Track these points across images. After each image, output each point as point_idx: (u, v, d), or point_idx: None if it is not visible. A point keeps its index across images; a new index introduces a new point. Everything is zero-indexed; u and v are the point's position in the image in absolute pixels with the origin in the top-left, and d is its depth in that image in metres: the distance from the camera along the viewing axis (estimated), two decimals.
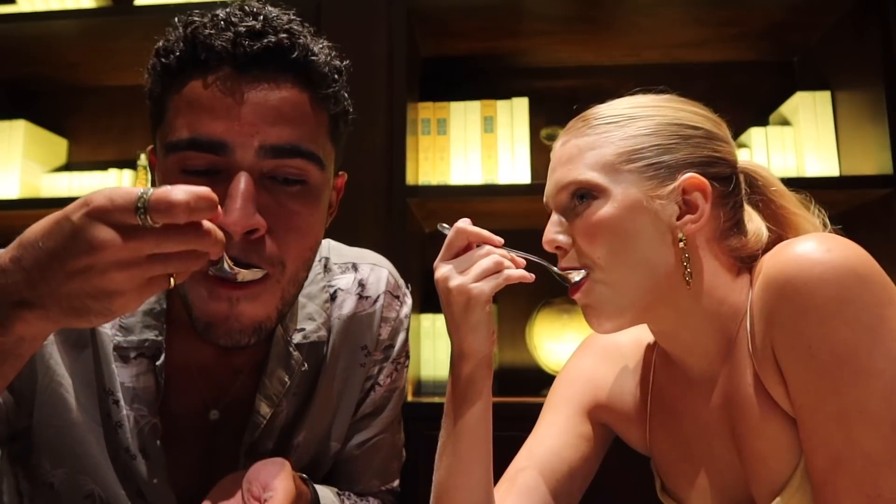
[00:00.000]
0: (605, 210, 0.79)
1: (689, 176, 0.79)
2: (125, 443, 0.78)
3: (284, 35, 0.68)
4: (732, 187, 0.83)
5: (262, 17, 0.69)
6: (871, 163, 1.60)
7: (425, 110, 1.81)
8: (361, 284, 0.93)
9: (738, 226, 0.84)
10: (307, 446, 0.89)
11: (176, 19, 0.72)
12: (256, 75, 0.67)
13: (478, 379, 0.82)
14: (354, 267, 0.94)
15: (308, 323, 0.87)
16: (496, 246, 0.80)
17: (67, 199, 1.82)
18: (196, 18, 0.70)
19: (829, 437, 0.69)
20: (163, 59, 0.69)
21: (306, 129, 0.71)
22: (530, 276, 0.80)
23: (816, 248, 0.71)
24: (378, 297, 0.94)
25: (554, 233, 0.83)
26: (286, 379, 0.84)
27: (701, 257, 0.81)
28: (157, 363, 0.78)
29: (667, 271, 0.79)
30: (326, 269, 0.92)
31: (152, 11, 1.79)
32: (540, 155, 1.89)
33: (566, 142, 0.85)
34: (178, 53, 0.68)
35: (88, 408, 0.79)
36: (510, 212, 1.81)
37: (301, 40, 0.70)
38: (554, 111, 1.99)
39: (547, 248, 0.84)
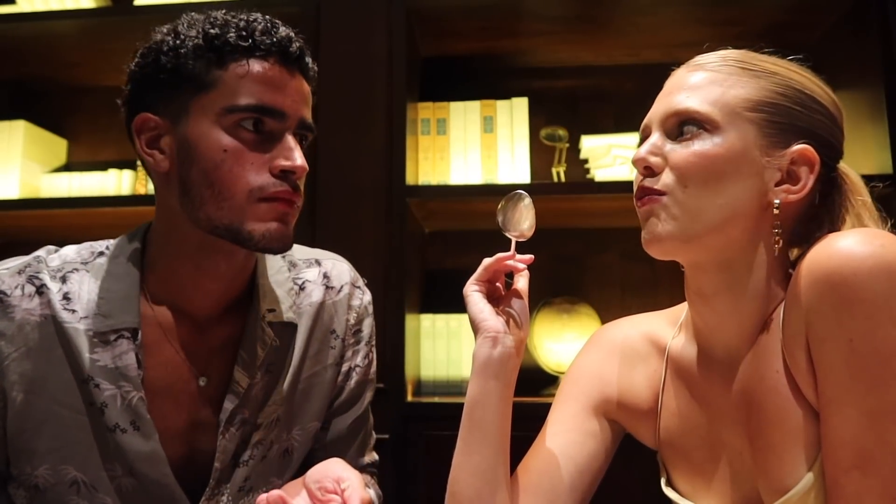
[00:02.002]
0: (711, 144, 0.78)
1: (805, 147, 0.79)
2: (114, 420, 0.86)
3: (299, 43, 0.90)
4: (831, 178, 0.82)
5: (283, 26, 0.89)
6: (871, 163, 1.60)
7: (425, 110, 1.81)
8: (326, 276, 1.04)
9: (816, 219, 0.83)
10: (288, 421, 0.98)
11: (196, 18, 0.89)
12: (291, 68, 0.89)
13: (477, 356, 0.86)
14: (318, 262, 1.05)
15: (276, 305, 0.97)
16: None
17: (67, 199, 1.83)
18: (231, 17, 0.88)
19: (859, 435, 0.68)
20: (215, 42, 0.85)
21: (310, 111, 0.93)
22: (505, 255, 0.88)
23: (869, 241, 0.69)
24: (342, 286, 1.05)
25: (647, 153, 0.81)
26: (260, 352, 0.94)
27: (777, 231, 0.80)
28: (136, 342, 0.88)
29: (743, 227, 0.79)
30: (292, 264, 1.03)
31: (152, 11, 1.79)
32: (540, 154, 1.89)
33: (691, 71, 0.83)
34: (233, 39, 0.85)
35: (66, 400, 0.86)
36: None
37: (307, 49, 0.92)
38: (554, 111, 1.99)
39: (637, 166, 0.83)
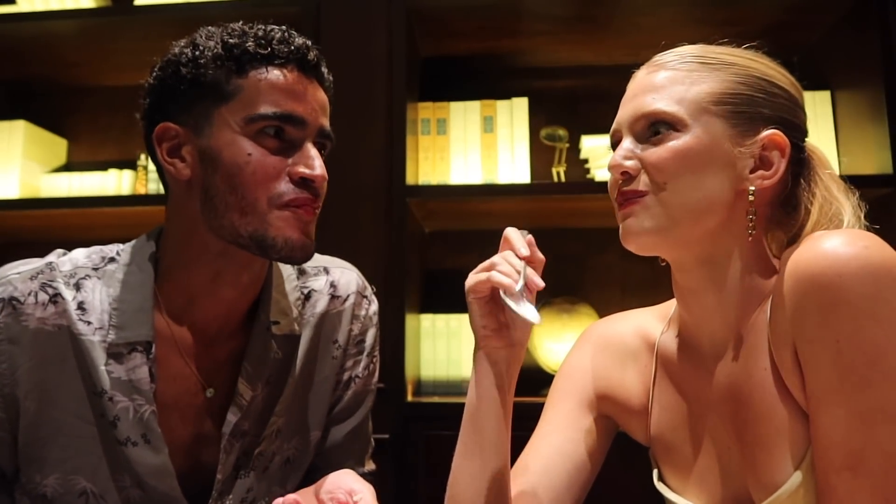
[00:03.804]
0: (683, 141, 0.79)
1: (774, 132, 0.80)
2: (125, 433, 0.86)
3: (316, 52, 0.91)
4: (801, 158, 0.84)
5: (297, 36, 0.90)
6: (870, 162, 1.60)
7: (425, 110, 1.81)
8: (333, 285, 1.03)
9: (790, 201, 0.84)
10: (289, 432, 0.98)
11: (213, 31, 0.89)
12: (310, 76, 0.90)
13: (477, 362, 0.86)
14: (326, 270, 1.04)
15: (282, 317, 0.96)
16: (518, 256, 0.83)
17: (67, 199, 1.83)
18: (248, 27, 0.89)
19: (849, 436, 0.68)
20: (234, 51, 0.86)
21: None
22: (509, 284, 0.80)
23: (854, 243, 0.70)
24: (348, 296, 1.04)
25: (622, 158, 0.83)
26: (263, 365, 0.94)
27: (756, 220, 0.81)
28: (150, 356, 0.87)
29: (719, 218, 0.80)
30: (301, 272, 1.03)
31: (152, 11, 1.79)
32: (539, 154, 1.89)
33: (653, 71, 0.84)
34: (252, 48, 0.86)
35: (78, 411, 0.86)
36: (510, 211, 1.81)
37: (323, 57, 0.93)
38: (554, 111, 1.99)
39: (613, 172, 0.84)
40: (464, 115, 1.80)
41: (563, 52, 1.95)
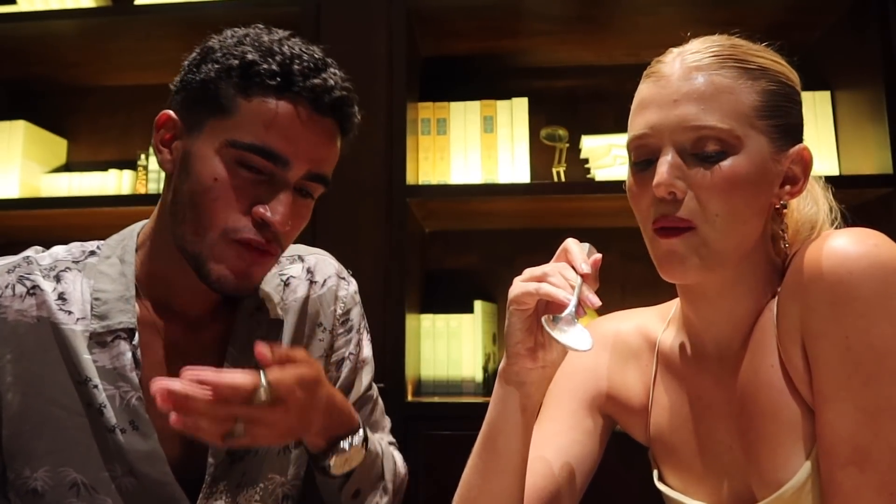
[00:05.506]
0: (741, 164, 0.75)
1: (803, 147, 0.80)
2: (112, 421, 0.86)
3: (345, 92, 0.87)
4: None
5: (332, 69, 0.87)
6: (870, 162, 1.60)
7: (425, 110, 1.81)
8: (310, 271, 1.05)
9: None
10: None
11: (252, 35, 0.86)
12: (323, 115, 0.86)
13: (504, 380, 0.83)
14: (301, 258, 1.06)
15: (264, 302, 0.98)
16: (576, 271, 0.78)
17: (67, 199, 1.83)
18: (283, 46, 0.85)
19: (856, 431, 0.69)
20: (249, 69, 0.83)
21: (333, 163, 0.91)
22: (562, 298, 0.74)
23: (863, 241, 0.71)
24: (326, 280, 1.05)
25: (671, 176, 0.76)
26: (248, 349, 0.93)
27: (771, 228, 0.82)
28: (133, 342, 0.88)
29: (756, 237, 0.80)
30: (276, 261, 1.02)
31: (152, 11, 1.79)
32: (540, 154, 1.89)
33: (693, 74, 0.77)
34: (266, 70, 0.82)
35: (64, 401, 0.86)
36: (510, 211, 1.81)
37: (352, 98, 0.89)
38: (554, 111, 1.99)
39: (661, 192, 0.76)
40: (464, 115, 1.80)
41: (563, 52, 1.95)
